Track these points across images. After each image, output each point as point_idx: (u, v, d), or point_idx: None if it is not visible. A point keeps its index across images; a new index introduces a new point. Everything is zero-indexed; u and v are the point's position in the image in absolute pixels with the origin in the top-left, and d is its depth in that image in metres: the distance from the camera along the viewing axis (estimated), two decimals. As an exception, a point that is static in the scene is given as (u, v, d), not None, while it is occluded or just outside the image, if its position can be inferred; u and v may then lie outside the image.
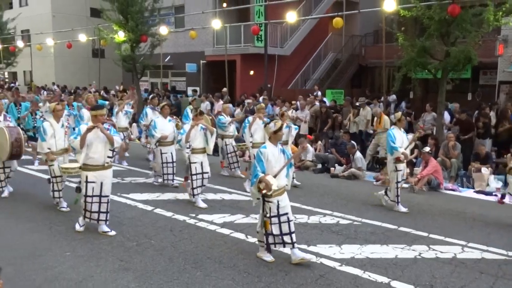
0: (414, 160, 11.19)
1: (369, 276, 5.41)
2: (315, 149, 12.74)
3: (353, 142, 11.74)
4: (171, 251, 6.09)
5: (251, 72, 22.29)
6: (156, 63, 20.81)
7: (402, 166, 8.42)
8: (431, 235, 6.91)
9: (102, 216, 6.65)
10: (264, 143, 9.10)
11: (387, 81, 15.57)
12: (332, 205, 8.45)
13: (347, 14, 15.40)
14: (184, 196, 8.90)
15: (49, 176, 7.91)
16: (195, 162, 8.16)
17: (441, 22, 11.16)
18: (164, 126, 9.52)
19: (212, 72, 23.04)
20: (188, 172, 8.23)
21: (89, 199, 6.56)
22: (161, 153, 9.50)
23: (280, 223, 5.65)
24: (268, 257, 5.79)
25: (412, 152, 11.19)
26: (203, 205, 8.16)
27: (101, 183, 6.58)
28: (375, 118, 12.56)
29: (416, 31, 12.99)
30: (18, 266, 5.48)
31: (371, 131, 12.96)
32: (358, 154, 11.28)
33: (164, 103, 10.31)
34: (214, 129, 8.59)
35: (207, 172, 8.30)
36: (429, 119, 13.08)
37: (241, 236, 6.72)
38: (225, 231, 6.92)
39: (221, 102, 16.78)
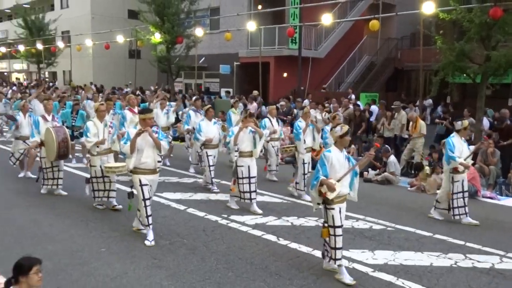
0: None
1: (403, 283, 5.31)
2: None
3: (387, 146, 11.56)
4: (203, 251, 6.14)
5: (285, 74, 22.29)
6: (191, 64, 21.07)
7: (460, 177, 7.89)
8: (468, 244, 6.73)
9: (145, 220, 6.49)
10: (311, 147, 9.19)
11: (423, 85, 15.27)
12: (365, 210, 8.33)
13: (384, 16, 15.18)
14: (216, 196, 8.97)
15: (88, 176, 7.93)
16: (241, 166, 7.98)
17: (481, 25, 10.88)
18: (209, 129, 9.41)
19: (246, 74, 23.14)
20: (235, 175, 8.06)
21: (147, 202, 6.37)
22: (207, 156, 9.39)
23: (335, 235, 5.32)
24: (348, 279, 5.29)
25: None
26: (258, 210, 7.90)
27: (151, 186, 6.51)
28: (411, 123, 12.33)
29: (455, 34, 12.72)
30: (57, 260, 5.64)
31: (406, 136, 12.73)
32: (392, 158, 11.10)
33: (209, 106, 10.10)
34: (263, 132, 8.37)
35: (254, 176, 8.01)
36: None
37: (272, 238, 6.72)
38: (257, 232, 6.93)
39: (254, 104, 16.86)
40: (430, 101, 16.73)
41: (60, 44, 28.71)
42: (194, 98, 12.22)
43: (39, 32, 30.87)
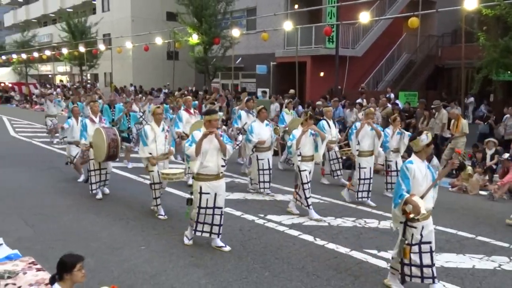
0: (494, 167, 10.59)
1: (444, 285, 5.18)
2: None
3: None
4: (240, 250, 6.17)
5: (321, 74, 22.12)
6: (227, 64, 21.23)
7: None
8: (513, 247, 6.51)
9: (215, 229, 6.14)
10: (371, 152, 8.69)
11: (465, 83, 14.85)
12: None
13: (423, 13, 14.85)
14: (253, 196, 8.99)
15: (151, 182, 7.63)
16: (305, 170, 7.54)
17: (527, 20, 10.50)
18: (261, 130, 8.97)
19: (282, 74, 23.12)
20: (298, 181, 7.62)
21: (202, 211, 6.08)
22: (258, 159, 9.00)
23: (420, 252, 4.82)
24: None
25: (492, 157, 10.63)
26: (317, 216, 7.57)
27: (215, 194, 6.08)
28: (452, 121, 12.00)
29: (499, 30, 12.30)
30: (98, 257, 5.80)
31: (448, 135, 12.39)
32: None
33: (261, 106, 9.52)
34: (326, 135, 7.91)
35: (309, 182, 7.63)
36: (511, 123, 12.32)
37: (309, 238, 6.68)
38: (294, 232, 6.91)
39: (276, 104, 16.79)
40: (472, 99, 16.21)
41: (101, 46, 29.52)
42: (246, 98, 11.71)
43: (81, 35, 31.87)
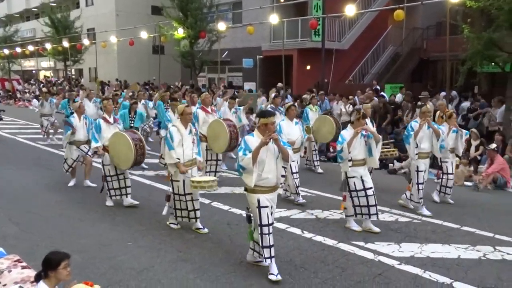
0: (479, 158, 10.72)
1: (430, 276, 5.24)
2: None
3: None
4: (228, 244, 6.18)
5: (308, 67, 22.15)
6: (214, 58, 21.14)
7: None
8: (497, 236, 6.60)
9: (266, 253, 5.15)
10: (429, 153, 7.92)
11: (450, 76, 14.97)
12: (390, 202, 8.25)
13: (409, 6, 14.90)
14: (240, 190, 8.98)
15: (170, 192, 6.75)
16: (353, 177, 6.68)
17: (511, 12, 10.57)
18: (291, 130, 8.15)
19: (269, 67, 23.08)
20: (346, 188, 6.79)
21: (265, 230, 5.13)
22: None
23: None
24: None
25: (477, 149, 10.75)
26: (375, 229, 6.73)
27: (271, 207, 5.28)
28: (437, 113, 12.08)
29: (482, 23, 12.37)
30: (85, 254, 5.75)
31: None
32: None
33: (290, 103, 8.76)
34: (380, 136, 6.90)
35: (371, 188, 6.69)
36: (496, 114, 12.45)
37: (297, 231, 6.71)
38: (281, 225, 6.93)
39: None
40: (454, 92, 16.33)
41: (85, 41, 29.18)
42: (273, 95, 10.87)
43: (65, 30, 31.43)
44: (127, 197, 7.86)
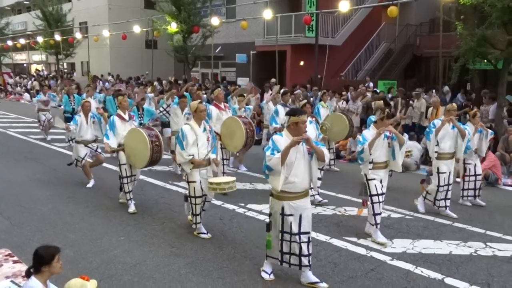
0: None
1: (422, 271, 5.27)
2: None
3: (406, 134, 11.42)
4: (220, 239, 6.17)
5: (301, 63, 22.14)
6: (207, 53, 21.07)
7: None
8: (488, 232, 6.64)
9: (304, 261, 4.87)
10: (452, 154, 7.41)
11: (442, 72, 15.04)
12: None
13: (402, 2, 14.94)
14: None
15: (186, 193, 6.40)
16: (373, 179, 6.19)
17: (503, 9, 10.61)
18: (306, 129, 7.83)
19: (262, 63, 23.05)
20: (367, 192, 6.25)
21: (286, 237, 4.85)
22: None
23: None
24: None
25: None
26: (383, 239, 6.16)
27: (300, 216, 4.84)
28: (430, 109, 12.14)
29: (475, 20, 12.40)
30: (77, 248, 5.74)
31: (426, 124, 12.53)
32: (417, 146, 10.99)
33: (305, 101, 8.19)
34: (405, 138, 6.60)
35: (382, 194, 6.26)
36: (487, 111, 12.53)
37: (290, 226, 6.71)
38: (274, 221, 6.93)
39: (270, 92, 16.77)
40: (447, 88, 16.42)
41: (77, 35, 28.97)
42: (282, 91, 10.34)
43: (56, 23, 31.17)
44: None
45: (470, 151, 7.73)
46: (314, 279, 4.93)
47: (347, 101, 14.58)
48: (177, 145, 6.16)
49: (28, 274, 3.56)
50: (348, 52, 22.91)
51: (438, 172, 7.36)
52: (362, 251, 5.84)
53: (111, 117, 7.64)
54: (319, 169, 4.92)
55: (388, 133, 6.14)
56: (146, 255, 5.61)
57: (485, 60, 11.92)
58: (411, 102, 13.41)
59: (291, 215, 4.79)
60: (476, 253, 5.89)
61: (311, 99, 15.66)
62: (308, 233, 4.90)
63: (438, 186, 7.33)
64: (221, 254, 5.68)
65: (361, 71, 22.90)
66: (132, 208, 7.23)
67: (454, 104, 7.90)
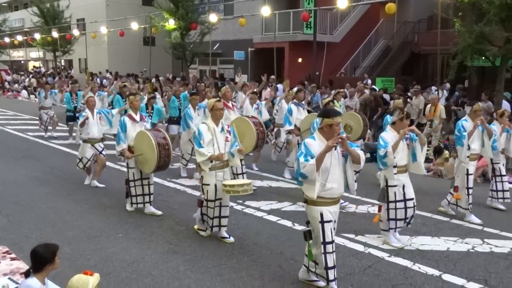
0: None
1: (419, 268, 5.29)
2: (364, 139, 12.50)
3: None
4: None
5: (300, 60, 22.13)
6: (205, 50, 21.04)
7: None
8: (486, 229, 6.67)
9: (331, 274, 4.52)
10: (478, 154, 7.22)
11: (440, 69, 15.04)
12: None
13: (400, -1, 14.96)
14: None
15: (201, 195, 6.12)
16: (394, 186, 5.84)
17: (501, 6, 10.64)
18: None
19: (260, 60, 23.03)
20: (385, 198, 5.95)
21: (329, 248, 4.49)
22: None
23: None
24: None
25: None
26: (399, 244, 5.95)
27: (335, 222, 4.64)
28: (428, 106, 12.15)
29: (473, 17, 12.42)
30: (75, 246, 5.74)
31: (424, 121, 12.54)
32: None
33: (329, 99, 8.01)
34: (426, 139, 6.32)
35: (412, 199, 5.94)
36: (485, 108, 12.54)
37: (288, 223, 6.73)
38: (272, 218, 6.95)
39: (269, 89, 16.76)
40: (447, 85, 16.43)
41: (75, 32, 28.88)
42: (295, 89, 10.03)
43: (54, 20, 31.07)
44: (150, 204, 7.08)
45: (497, 152, 7.54)
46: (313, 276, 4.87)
47: (345, 97, 14.56)
48: (195, 144, 6.00)
49: (27, 275, 3.52)
50: (346, 49, 22.90)
51: (468, 174, 7.07)
52: (360, 247, 5.86)
53: (122, 118, 7.28)
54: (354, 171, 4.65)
55: (407, 135, 5.83)
56: (144, 252, 5.62)
57: (483, 57, 11.95)
58: (408, 100, 13.42)
59: (330, 221, 4.49)
60: (474, 249, 5.90)
61: (342, 99, 15.56)
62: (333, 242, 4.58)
63: (467, 188, 7.04)
64: (219, 251, 5.68)
65: (359, 68, 22.89)
66: (129, 207, 7.16)
67: (480, 104, 7.52)
